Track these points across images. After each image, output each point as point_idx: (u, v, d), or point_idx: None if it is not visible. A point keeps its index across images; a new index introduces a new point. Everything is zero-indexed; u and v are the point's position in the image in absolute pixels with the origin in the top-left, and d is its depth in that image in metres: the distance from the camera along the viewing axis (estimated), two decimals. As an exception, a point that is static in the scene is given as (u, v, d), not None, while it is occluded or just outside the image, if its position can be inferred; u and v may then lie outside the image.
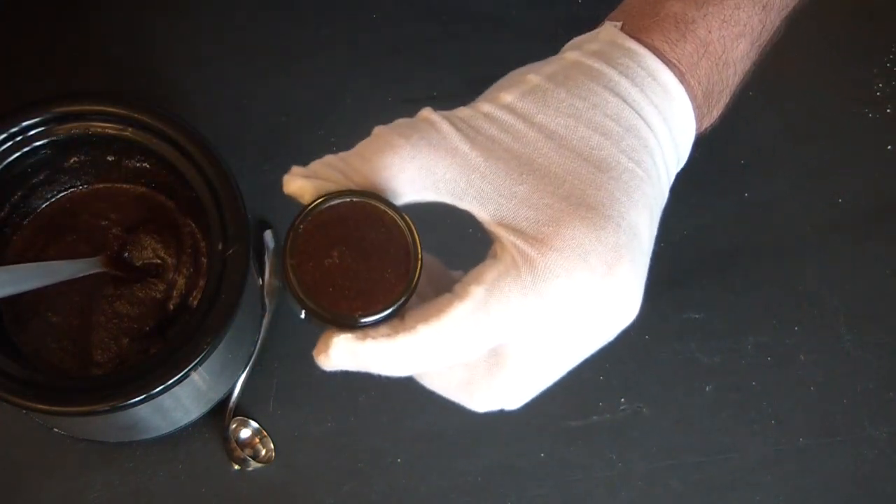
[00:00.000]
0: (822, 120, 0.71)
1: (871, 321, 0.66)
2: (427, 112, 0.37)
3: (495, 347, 0.36)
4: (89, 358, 0.55)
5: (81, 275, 0.54)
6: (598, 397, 0.63)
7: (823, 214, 0.69)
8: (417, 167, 0.35)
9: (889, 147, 0.70)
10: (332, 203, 0.35)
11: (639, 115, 0.37)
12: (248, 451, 0.60)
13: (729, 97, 0.42)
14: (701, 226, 0.68)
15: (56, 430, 0.59)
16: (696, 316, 0.66)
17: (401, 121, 0.37)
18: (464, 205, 0.36)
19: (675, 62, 0.39)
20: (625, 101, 0.37)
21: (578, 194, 0.35)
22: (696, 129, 0.40)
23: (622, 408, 0.63)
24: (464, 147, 0.36)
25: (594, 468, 0.62)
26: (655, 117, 0.38)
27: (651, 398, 0.63)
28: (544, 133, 0.36)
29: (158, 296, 0.57)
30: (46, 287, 0.52)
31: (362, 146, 0.36)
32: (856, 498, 0.62)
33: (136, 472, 0.60)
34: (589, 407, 0.63)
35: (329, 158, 0.36)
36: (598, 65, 0.38)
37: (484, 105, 0.37)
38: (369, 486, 0.61)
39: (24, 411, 0.50)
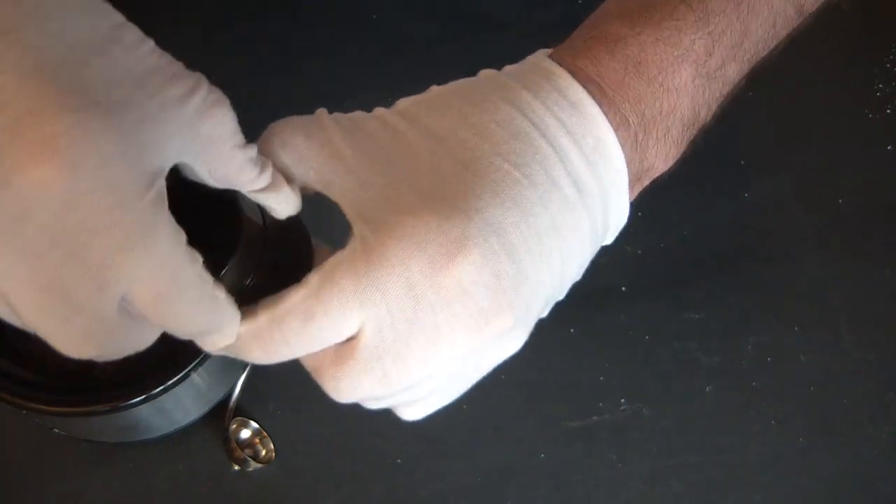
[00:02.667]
0: (822, 120, 0.71)
1: (871, 321, 0.66)
2: (320, 110, 0.38)
3: (347, 339, 0.35)
4: (90, 359, 0.55)
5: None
6: (598, 397, 0.63)
7: (823, 214, 0.69)
8: (289, 154, 0.37)
9: (889, 147, 0.70)
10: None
11: (533, 124, 0.36)
12: (248, 452, 0.60)
13: (682, 130, 0.40)
14: (701, 226, 0.68)
15: (56, 430, 0.59)
16: (696, 316, 0.66)
17: (294, 117, 0.38)
18: (330, 194, 0.36)
19: (596, 78, 0.38)
20: (520, 110, 0.37)
21: (436, 189, 0.35)
22: (636, 161, 0.39)
23: (622, 408, 0.63)
24: (337, 139, 0.37)
25: (594, 468, 0.62)
26: (557, 130, 0.37)
27: (651, 398, 0.63)
28: (425, 134, 0.36)
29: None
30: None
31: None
32: (856, 498, 0.62)
33: (136, 472, 0.60)
34: (589, 407, 0.63)
35: None
36: (503, 79, 0.38)
37: (380, 109, 0.38)
38: (369, 486, 0.61)
39: (24, 411, 0.50)
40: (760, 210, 0.68)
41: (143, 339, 0.34)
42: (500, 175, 0.35)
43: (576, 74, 0.38)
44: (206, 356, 0.51)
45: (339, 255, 0.35)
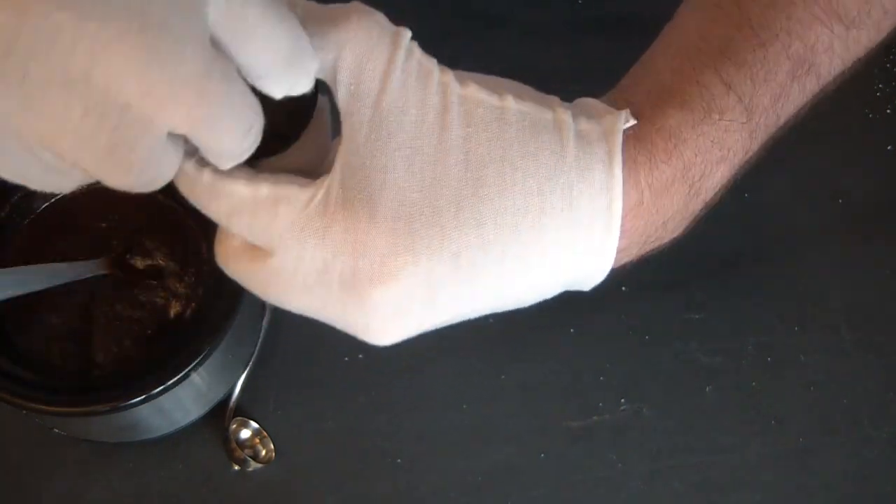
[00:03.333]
0: (822, 120, 0.71)
1: (871, 321, 0.66)
2: (404, 30, 0.36)
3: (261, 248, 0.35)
4: (90, 359, 0.55)
5: (84, 277, 0.54)
6: (598, 397, 0.63)
7: (823, 214, 0.69)
8: (337, 58, 0.34)
9: (889, 147, 0.70)
10: None
11: (552, 208, 0.35)
12: (248, 452, 0.60)
13: (694, 220, 0.40)
14: (701, 226, 0.67)
15: (56, 430, 0.59)
16: (697, 316, 0.66)
17: (377, 17, 0.35)
18: (344, 123, 0.35)
19: (645, 187, 0.37)
20: (558, 192, 0.35)
21: (414, 213, 0.34)
22: (633, 255, 0.38)
23: (622, 408, 0.63)
24: (391, 82, 0.35)
25: (594, 468, 0.62)
26: (564, 222, 0.35)
27: (651, 398, 0.63)
28: (460, 148, 0.35)
29: (160, 297, 0.57)
30: (48, 289, 0.52)
31: (327, 8, 0.35)
32: (856, 498, 0.62)
33: (136, 473, 0.60)
34: (589, 407, 0.63)
35: None
36: (568, 143, 0.36)
37: (449, 75, 0.36)
38: (369, 486, 0.61)
39: (24, 411, 0.50)
40: (760, 210, 0.68)
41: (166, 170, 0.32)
42: (478, 241, 0.34)
43: (627, 175, 0.36)
44: (207, 356, 0.51)
45: (296, 191, 0.34)
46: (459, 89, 0.36)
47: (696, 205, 0.40)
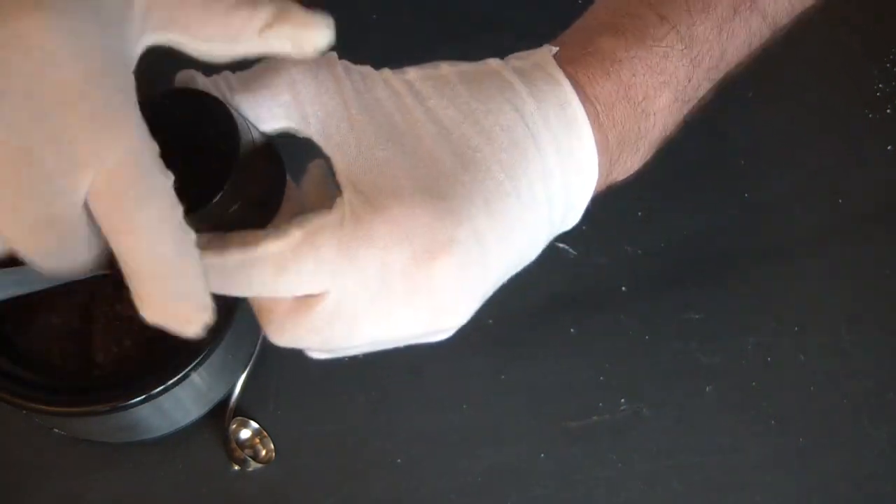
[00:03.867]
0: (821, 120, 0.71)
1: (871, 321, 0.66)
2: (332, 55, 0.37)
3: (308, 295, 0.35)
4: (90, 359, 0.55)
5: (84, 277, 0.54)
6: (598, 397, 0.63)
7: (823, 214, 0.69)
8: (295, 95, 0.36)
9: (889, 147, 0.70)
10: (157, 100, 0.34)
11: (532, 136, 0.37)
12: (248, 452, 0.60)
13: (647, 150, 0.41)
14: (701, 226, 0.68)
15: (56, 430, 0.59)
16: (696, 316, 0.66)
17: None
18: (327, 148, 0.36)
19: (593, 99, 0.39)
20: (522, 118, 0.37)
21: (434, 182, 0.35)
22: (603, 176, 0.40)
23: (622, 408, 0.63)
24: (348, 94, 0.36)
25: (594, 468, 0.62)
26: (549, 145, 0.37)
27: (651, 398, 0.63)
28: (430, 117, 0.36)
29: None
30: (48, 289, 0.52)
31: (254, 68, 0.37)
32: (856, 498, 0.62)
33: (136, 473, 0.60)
34: (589, 407, 0.63)
35: (221, 75, 0.37)
36: (512, 78, 0.38)
37: (387, 71, 0.38)
38: (369, 486, 0.61)
39: (24, 411, 0.50)
40: (760, 210, 0.68)
41: (83, 254, 0.32)
42: (494, 184, 0.36)
43: (575, 90, 0.38)
44: (207, 356, 0.51)
45: (325, 219, 0.35)
46: (402, 76, 0.38)
47: (648, 126, 0.40)
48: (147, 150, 0.30)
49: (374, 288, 0.35)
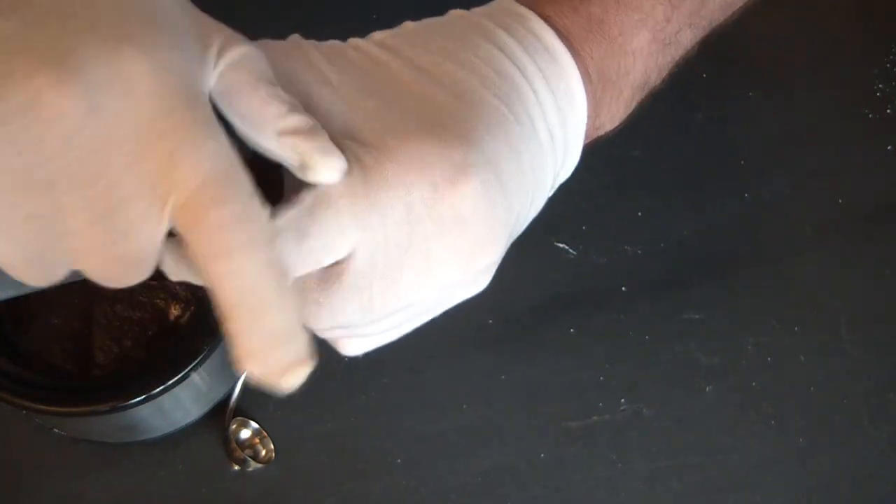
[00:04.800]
0: (822, 120, 0.71)
1: (871, 321, 0.66)
2: (294, 36, 0.37)
3: (335, 263, 0.34)
4: (90, 359, 0.55)
5: (84, 276, 0.54)
6: (598, 397, 0.63)
7: (823, 214, 0.69)
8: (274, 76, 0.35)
9: (889, 147, 0.70)
10: None
11: (514, 64, 0.36)
12: (248, 452, 0.60)
13: (633, 93, 0.40)
14: (701, 226, 0.68)
15: (56, 430, 0.59)
16: (696, 316, 0.66)
17: (268, 41, 0.36)
18: (315, 117, 0.35)
19: (564, 31, 0.38)
20: (501, 50, 0.36)
21: (431, 116, 0.34)
22: (591, 118, 0.39)
23: (622, 408, 0.63)
24: (322, 63, 0.36)
25: (594, 468, 0.62)
26: (535, 75, 0.37)
27: (651, 398, 0.63)
28: (409, 65, 0.36)
29: (160, 298, 0.57)
30: (48, 289, 0.52)
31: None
32: (856, 498, 0.62)
33: (136, 473, 0.60)
34: (589, 407, 0.63)
35: None
36: (478, 19, 0.38)
37: (354, 39, 0.37)
38: (369, 486, 0.61)
39: (24, 411, 0.50)
40: (760, 210, 0.68)
41: (149, 273, 0.32)
42: (490, 109, 0.35)
43: (547, 22, 0.38)
44: (207, 356, 0.51)
45: (337, 167, 0.33)
46: (370, 39, 0.38)
47: (628, 66, 0.39)
48: (236, 172, 0.30)
49: (404, 231, 0.33)
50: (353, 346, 0.38)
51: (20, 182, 0.28)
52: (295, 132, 0.33)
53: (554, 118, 0.37)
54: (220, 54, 0.32)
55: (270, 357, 0.30)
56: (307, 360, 0.31)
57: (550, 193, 0.39)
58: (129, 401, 0.49)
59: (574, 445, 0.62)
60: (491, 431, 0.62)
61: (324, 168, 0.33)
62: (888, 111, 0.71)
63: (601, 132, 0.41)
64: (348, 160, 0.33)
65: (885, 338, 0.66)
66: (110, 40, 0.28)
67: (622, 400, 0.63)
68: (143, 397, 0.49)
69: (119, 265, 0.30)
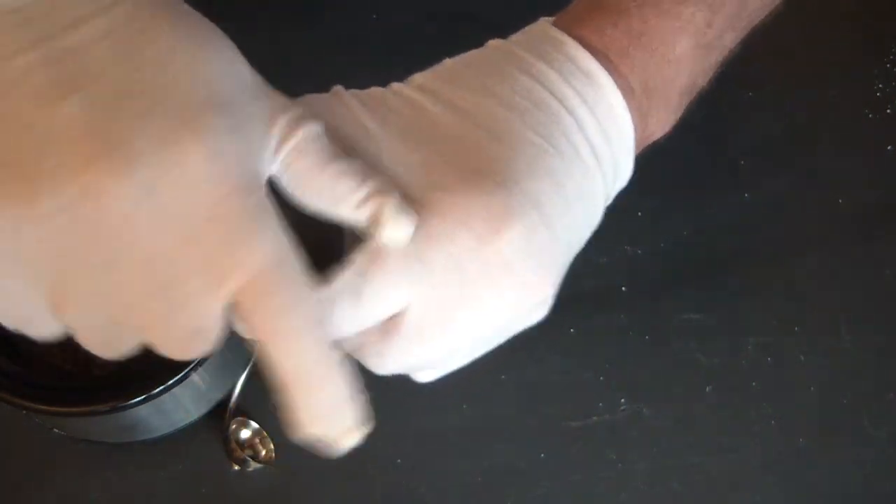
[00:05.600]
0: (822, 120, 0.71)
1: (871, 321, 0.66)
2: (337, 88, 0.38)
3: (393, 315, 0.36)
4: (90, 359, 0.55)
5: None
6: (598, 397, 0.63)
7: (823, 214, 0.69)
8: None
9: (889, 147, 0.70)
10: None
11: (552, 93, 0.37)
12: (248, 452, 0.60)
13: (680, 98, 0.41)
14: (701, 226, 0.68)
15: (56, 430, 0.59)
16: (696, 316, 0.66)
17: (310, 95, 0.37)
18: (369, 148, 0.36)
19: (602, 49, 0.38)
20: (537, 80, 0.37)
21: (472, 162, 0.35)
22: (639, 129, 0.40)
23: (622, 408, 0.63)
24: (363, 115, 0.36)
25: (594, 468, 0.62)
26: (575, 100, 0.37)
27: (651, 398, 0.63)
28: (449, 108, 0.36)
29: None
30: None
31: None
32: (856, 498, 0.62)
33: (136, 473, 0.60)
34: (589, 407, 0.63)
35: None
36: (514, 49, 0.38)
37: (395, 84, 0.38)
38: (369, 486, 0.61)
39: (24, 411, 0.50)
40: (760, 210, 0.68)
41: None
42: (531, 147, 0.36)
43: (582, 44, 0.38)
44: (206, 356, 0.51)
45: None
46: (410, 83, 0.38)
47: (671, 74, 0.40)
48: (290, 259, 0.32)
49: (454, 281, 0.35)
50: (421, 377, 0.40)
51: (81, 259, 0.29)
52: (369, 198, 0.34)
53: (598, 138, 0.38)
54: (283, 140, 0.33)
55: (324, 427, 0.35)
56: (360, 427, 0.36)
57: (608, 204, 0.40)
58: (129, 401, 0.49)
59: (574, 445, 0.62)
60: (491, 431, 0.62)
61: (399, 226, 0.34)
62: (888, 111, 0.71)
63: (653, 139, 0.42)
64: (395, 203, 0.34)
65: (885, 338, 0.66)
66: (168, 125, 0.29)
67: (622, 400, 0.63)
68: (143, 397, 0.49)
69: (182, 336, 0.33)
